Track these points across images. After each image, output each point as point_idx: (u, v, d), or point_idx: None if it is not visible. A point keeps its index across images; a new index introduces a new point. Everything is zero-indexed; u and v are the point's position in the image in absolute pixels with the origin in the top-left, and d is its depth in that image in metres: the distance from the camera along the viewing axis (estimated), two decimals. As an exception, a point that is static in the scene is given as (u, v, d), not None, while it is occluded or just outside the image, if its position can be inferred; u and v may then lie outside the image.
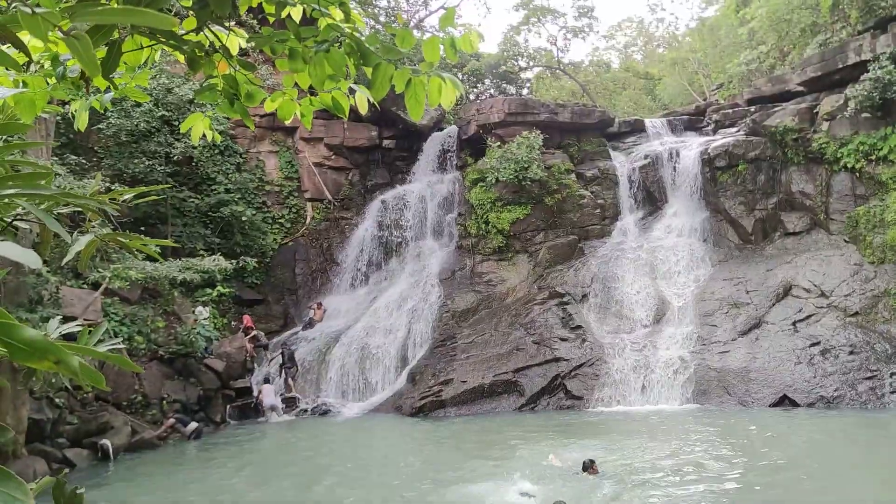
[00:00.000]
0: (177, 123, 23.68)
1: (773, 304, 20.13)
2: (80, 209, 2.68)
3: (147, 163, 22.34)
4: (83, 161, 21.11)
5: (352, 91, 3.48)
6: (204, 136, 3.87)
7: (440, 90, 3.16)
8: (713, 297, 20.98)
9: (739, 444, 13.92)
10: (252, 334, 22.27)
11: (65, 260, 2.84)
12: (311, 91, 3.43)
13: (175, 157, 23.22)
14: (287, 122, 3.82)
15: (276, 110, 3.62)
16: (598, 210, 24.61)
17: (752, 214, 22.93)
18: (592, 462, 11.97)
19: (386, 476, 13.35)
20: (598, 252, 23.48)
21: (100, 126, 21.88)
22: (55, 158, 19.30)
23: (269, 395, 20.45)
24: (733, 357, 19.15)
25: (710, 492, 10.75)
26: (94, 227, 2.97)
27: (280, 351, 22.01)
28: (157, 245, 3.25)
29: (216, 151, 24.81)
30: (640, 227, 24.16)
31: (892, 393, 17.21)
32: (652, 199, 24.77)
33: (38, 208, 2.04)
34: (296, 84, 3.34)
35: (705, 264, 22.42)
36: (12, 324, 1.04)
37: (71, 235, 2.60)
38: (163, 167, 22.74)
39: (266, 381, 21.04)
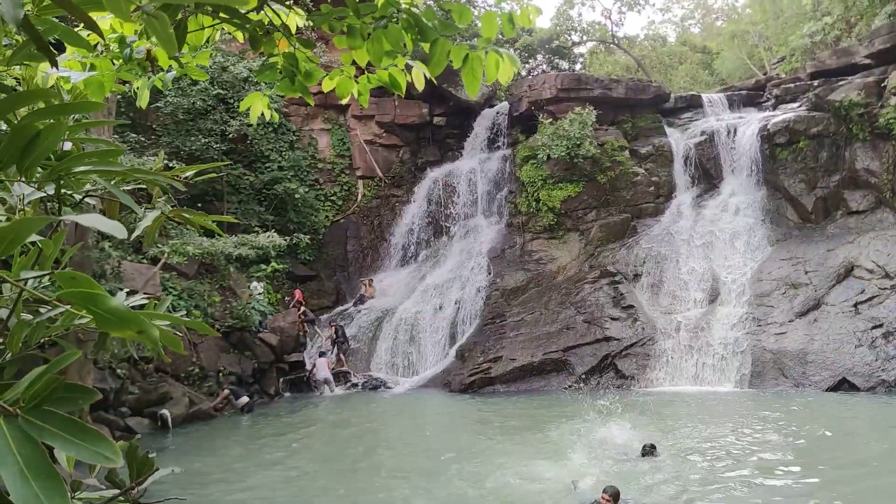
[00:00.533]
0: (232, 101, 24.10)
1: (834, 285, 19.51)
2: (141, 186, 2.77)
3: (203, 140, 22.83)
4: (142, 139, 21.69)
5: (408, 68, 3.48)
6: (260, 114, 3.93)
7: (497, 66, 3.13)
8: (770, 278, 20.44)
9: (798, 429, 13.59)
10: (301, 310, 22.72)
11: (133, 235, 2.94)
12: (368, 68, 3.45)
13: (230, 135, 23.66)
14: (344, 101, 3.84)
15: (332, 89, 3.65)
16: (651, 188, 24.13)
17: (812, 192, 22.17)
18: (653, 447, 11.62)
19: (436, 451, 13.51)
20: (652, 231, 23.08)
21: (158, 105, 22.43)
22: (116, 136, 19.89)
23: (323, 369, 20.89)
24: (790, 339, 18.68)
25: (771, 483, 10.33)
26: (159, 203, 3.07)
27: (332, 327, 22.43)
28: (215, 221, 3.34)
29: (270, 129, 25.19)
30: (695, 205, 23.61)
31: (959, 379, 16.56)
32: (708, 176, 24.16)
33: (110, 184, 2.12)
34: (353, 62, 3.36)
35: (762, 244, 21.83)
36: (99, 293, 1.09)
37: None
38: (218, 145, 23.21)
39: (321, 354, 21.50)
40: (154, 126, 23.33)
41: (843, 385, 17.31)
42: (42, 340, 1.97)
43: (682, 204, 23.81)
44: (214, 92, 23.39)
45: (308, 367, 21.48)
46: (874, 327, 18.09)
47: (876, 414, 14.99)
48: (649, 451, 11.50)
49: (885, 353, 17.47)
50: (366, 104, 3.88)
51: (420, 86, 3.57)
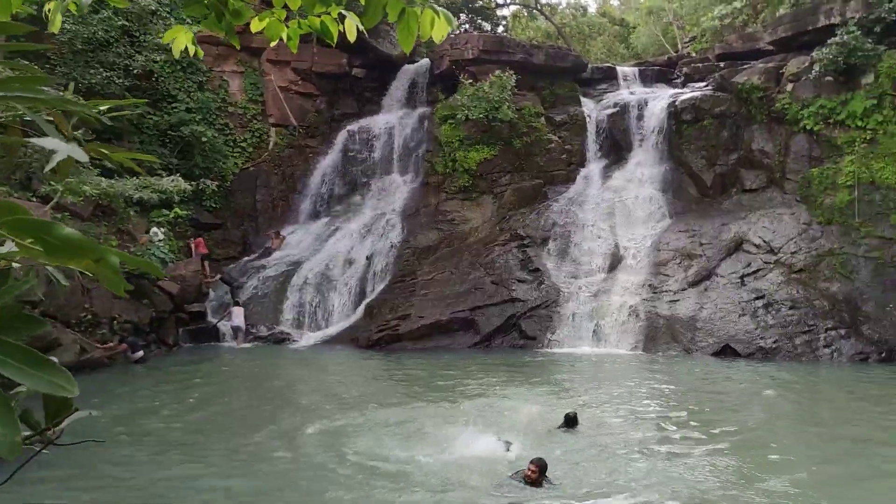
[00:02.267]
0: (137, 35, 22.71)
1: (724, 258, 20.76)
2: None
3: (104, 74, 21.44)
4: (35, 67, 20.14)
5: (341, 17, 3.43)
6: (167, 51, 3.78)
7: (433, 23, 3.13)
8: (668, 248, 21.50)
9: (690, 391, 14.50)
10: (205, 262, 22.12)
11: (47, 168, 2.80)
12: (300, 13, 3.37)
13: (135, 71, 22.35)
14: (272, 44, 3.74)
15: (255, 31, 3.55)
16: (564, 155, 24.70)
17: (712, 169, 23.33)
18: (575, 418, 11.09)
19: (341, 404, 13.59)
20: (562, 197, 23.70)
21: (53, 31, 20.79)
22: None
23: (239, 317, 20.59)
24: (682, 306, 19.80)
25: (679, 447, 10.57)
26: (76, 136, 2.91)
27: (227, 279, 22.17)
28: (136, 169, 3.22)
29: (178, 68, 23.94)
30: (603, 175, 24.38)
31: (825, 347, 18.12)
32: (618, 147, 24.94)
33: (36, 114, 2.03)
34: (284, 4, 3.28)
35: (663, 215, 22.86)
36: (50, 221, 1.06)
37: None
38: (121, 80, 21.88)
39: (237, 303, 21.09)
40: (49, 55, 21.69)
41: (726, 351, 18.58)
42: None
43: (592, 173, 24.53)
44: (119, 23, 21.95)
45: (211, 318, 21.00)
46: (756, 298, 19.43)
47: (753, 377, 16.24)
48: (572, 420, 11.00)
49: (765, 323, 18.85)
50: (294, 48, 3.79)
51: (352, 37, 3.53)
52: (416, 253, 22.66)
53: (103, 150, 2.98)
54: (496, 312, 20.49)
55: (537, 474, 8.47)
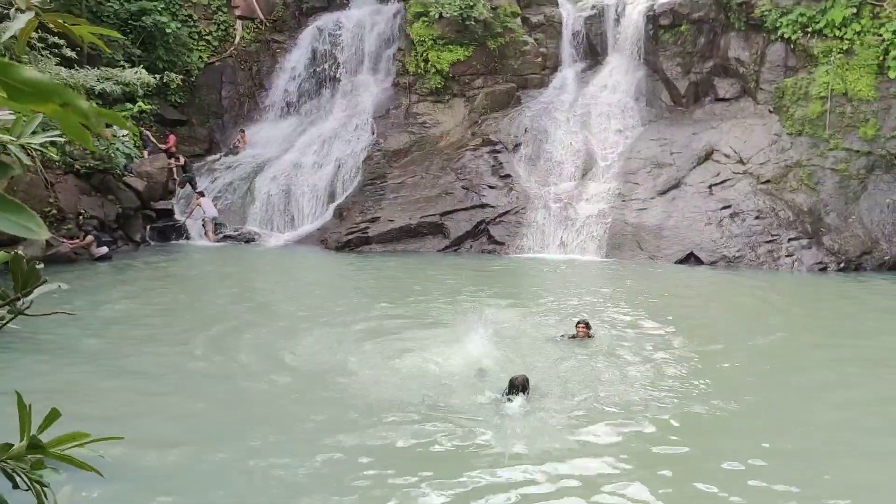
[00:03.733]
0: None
1: (694, 167, 20.91)
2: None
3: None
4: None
5: None
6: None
7: None
8: (639, 156, 21.55)
9: (651, 295, 14.96)
10: (182, 162, 21.58)
11: (4, 37, 2.66)
12: None
13: (90, -47, 20.97)
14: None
15: None
16: (539, 59, 24.17)
17: (686, 77, 23.11)
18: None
19: (317, 308, 13.74)
20: (535, 103, 23.37)
21: None
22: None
23: (210, 207, 20.43)
24: (649, 215, 20.08)
25: (659, 350, 10.80)
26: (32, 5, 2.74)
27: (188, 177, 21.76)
28: (75, 45, 3.06)
29: (137, -49, 22.49)
30: (578, 80, 24.00)
31: (786, 256, 18.66)
32: (593, 52, 24.46)
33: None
34: None
35: (636, 123, 22.76)
36: (12, 63, 1.02)
37: None
38: (76, -37, 20.53)
39: (201, 194, 20.80)
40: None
41: (689, 259, 19.04)
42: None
43: (567, 78, 24.13)
44: None
45: (178, 216, 20.75)
46: (723, 208, 19.76)
47: (718, 282, 16.79)
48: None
49: (730, 232, 19.26)
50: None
51: None
52: (387, 156, 22.39)
53: (62, 22, 2.83)
54: (466, 217, 20.57)
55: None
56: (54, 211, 17.16)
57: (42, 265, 1.99)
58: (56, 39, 17.00)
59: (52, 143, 17.62)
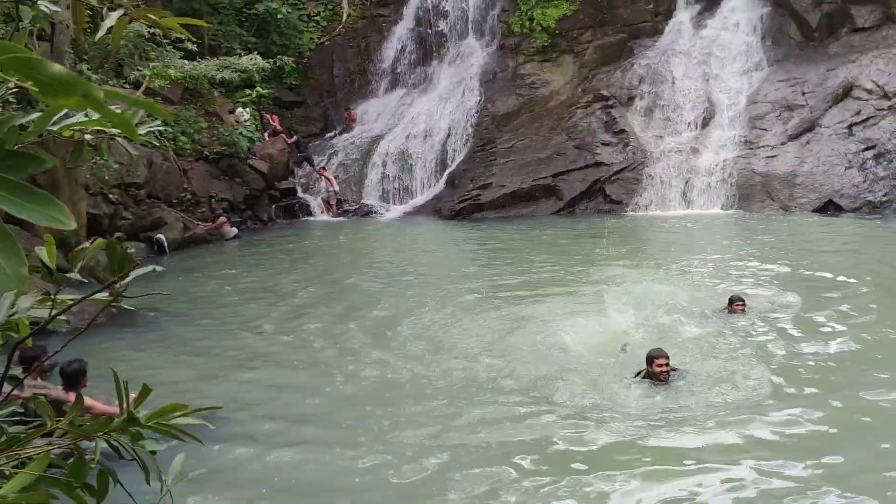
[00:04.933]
0: None
1: (830, 107, 19.23)
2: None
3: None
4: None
5: None
6: None
7: None
8: (766, 100, 20.10)
9: (794, 249, 13.87)
10: (294, 139, 22.42)
11: (97, 36, 2.79)
12: None
13: (204, -52, 21.98)
14: None
15: None
16: (650, 5, 22.95)
17: (818, 8, 21.17)
18: (742, 301, 9.53)
19: (432, 273, 13.96)
20: (648, 52, 22.28)
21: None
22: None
23: (330, 182, 21.28)
24: (780, 161, 18.75)
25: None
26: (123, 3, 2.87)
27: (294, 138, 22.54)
28: (195, 39, 3.16)
29: (245, -59, 23.34)
30: (694, 24, 22.61)
31: (941, 199, 16.89)
32: (711, -8, 22.91)
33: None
34: None
35: (761, 64, 21.20)
36: (39, 59, 1.04)
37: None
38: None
39: (323, 169, 21.65)
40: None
41: (829, 207, 17.65)
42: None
43: (681, 23, 22.78)
44: None
45: (300, 194, 21.65)
46: (866, 149, 18.10)
47: (867, 232, 15.40)
48: (737, 300, 9.58)
49: (874, 175, 17.65)
50: None
51: None
52: (496, 120, 22.17)
53: (151, 17, 2.94)
54: (579, 177, 20.07)
55: (666, 367, 7.25)
56: (189, 196, 18.38)
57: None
58: (179, 34, 18.03)
59: (184, 133, 18.85)
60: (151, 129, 2.51)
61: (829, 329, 9.13)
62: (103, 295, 2.16)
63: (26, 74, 1.05)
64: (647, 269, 12.75)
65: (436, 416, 7.02)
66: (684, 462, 5.83)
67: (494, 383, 7.77)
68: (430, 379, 8.06)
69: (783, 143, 19.11)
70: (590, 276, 12.32)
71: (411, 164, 22.09)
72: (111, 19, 2.79)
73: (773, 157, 18.95)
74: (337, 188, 21.48)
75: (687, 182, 19.35)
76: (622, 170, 19.90)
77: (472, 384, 7.80)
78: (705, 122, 20.47)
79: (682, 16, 22.91)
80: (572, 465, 5.87)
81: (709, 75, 21.26)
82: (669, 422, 6.58)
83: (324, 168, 21.72)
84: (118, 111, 1.33)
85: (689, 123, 20.57)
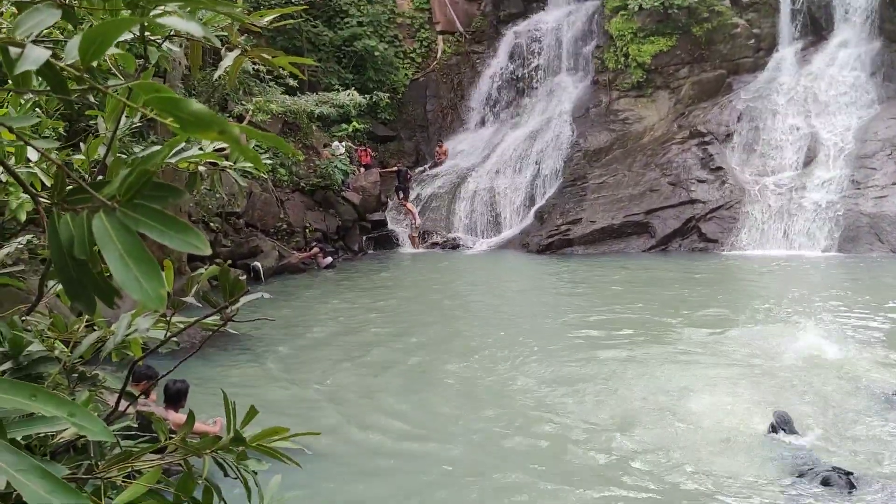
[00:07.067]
0: (307, -46, 23.30)
1: (949, 146, 18.06)
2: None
3: (279, -5, 22.39)
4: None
5: None
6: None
7: None
8: (876, 138, 19.08)
9: None
10: (395, 169, 22.98)
11: (216, 74, 2.98)
12: None
13: (307, -11, 23.11)
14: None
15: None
16: (752, 41, 22.36)
17: (936, 43, 20.05)
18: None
19: (521, 309, 13.87)
20: (749, 87, 21.65)
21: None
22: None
23: (414, 216, 21.77)
24: (891, 202, 17.70)
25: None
26: (239, 42, 3.06)
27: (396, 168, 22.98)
28: (296, 75, 3.32)
29: (347, -18, 24.43)
30: (798, 59, 21.83)
31: None
32: (816, 27, 22.11)
33: (192, 16, 2.12)
34: None
35: (871, 101, 20.18)
36: (180, 98, 1.11)
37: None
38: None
39: (406, 200, 22.21)
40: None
41: (944, 252, 16.48)
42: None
43: (785, 58, 22.05)
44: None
45: (390, 225, 22.09)
46: None
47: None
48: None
49: None
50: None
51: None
52: (587, 155, 22.01)
53: (265, 56, 3.11)
54: (673, 215, 19.57)
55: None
56: (285, 226, 19.09)
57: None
58: (281, 71, 18.96)
59: (282, 165, 19.67)
60: (267, 161, 2.65)
61: None
62: (214, 319, 2.27)
63: (168, 111, 1.14)
64: (768, 321, 11.62)
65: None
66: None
67: (587, 441, 7.24)
68: (518, 430, 7.59)
69: (894, 183, 18.04)
70: (695, 321, 11.71)
71: (499, 199, 22.17)
72: (228, 59, 2.96)
73: (882, 197, 17.91)
74: (419, 221, 21.76)
75: (788, 222, 18.52)
76: (718, 207, 19.27)
77: (557, 437, 7.43)
78: (808, 160, 19.61)
79: (786, 51, 22.18)
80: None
81: (812, 112, 20.41)
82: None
83: (406, 200, 22.10)
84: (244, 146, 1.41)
85: (791, 161, 19.76)
